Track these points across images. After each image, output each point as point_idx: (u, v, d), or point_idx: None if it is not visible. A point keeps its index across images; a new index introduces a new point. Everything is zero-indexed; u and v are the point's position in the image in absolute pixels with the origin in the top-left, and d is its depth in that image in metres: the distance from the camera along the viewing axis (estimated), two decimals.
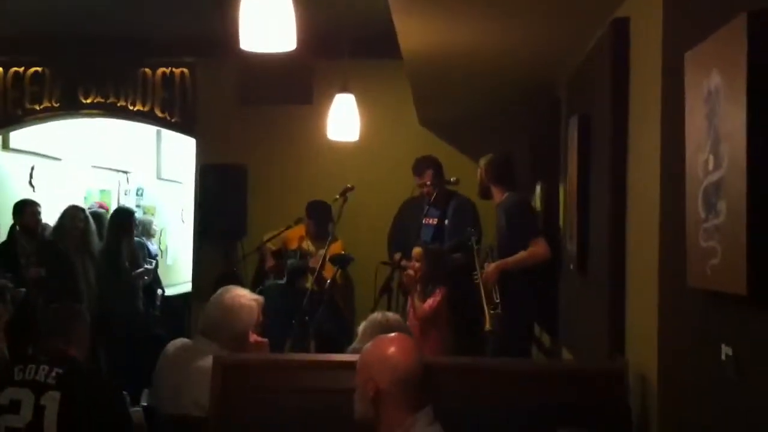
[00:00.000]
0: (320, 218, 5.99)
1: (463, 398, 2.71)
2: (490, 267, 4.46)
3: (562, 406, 2.66)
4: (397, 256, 5.28)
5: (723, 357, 1.91)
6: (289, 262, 6.08)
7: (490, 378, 2.80)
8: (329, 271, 5.09)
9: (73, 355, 3.22)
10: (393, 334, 2.49)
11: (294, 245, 6.16)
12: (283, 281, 6.11)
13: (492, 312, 4.34)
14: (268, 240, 6.07)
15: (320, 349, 5.39)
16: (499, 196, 4.70)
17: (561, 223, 4.55)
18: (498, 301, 4.38)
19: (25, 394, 3.00)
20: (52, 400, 2.99)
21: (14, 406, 2.99)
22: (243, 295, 3.36)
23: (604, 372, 2.83)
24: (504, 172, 4.72)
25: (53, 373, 3.04)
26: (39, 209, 6.50)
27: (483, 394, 2.74)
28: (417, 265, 4.90)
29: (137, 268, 6.65)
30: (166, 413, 3.21)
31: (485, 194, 4.81)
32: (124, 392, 3.41)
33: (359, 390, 2.33)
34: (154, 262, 7.00)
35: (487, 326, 4.32)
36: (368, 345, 2.44)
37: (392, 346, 2.36)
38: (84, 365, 3.30)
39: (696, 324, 2.15)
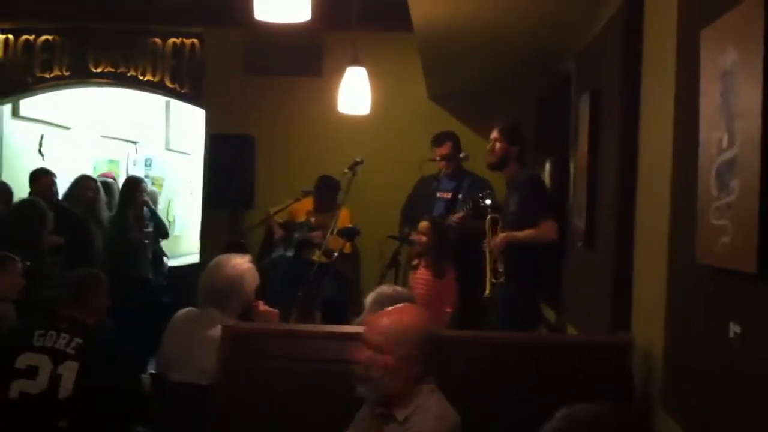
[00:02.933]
0: (321, 194, 6.00)
1: (466, 370, 2.73)
2: (498, 237, 4.47)
3: (565, 378, 2.67)
4: (407, 230, 5.30)
5: (731, 334, 1.91)
6: (296, 234, 6.10)
7: (494, 350, 2.81)
8: (336, 243, 5.10)
9: (91, 324, 3.23)
10: (403, 305, 2.50)
11: (301, 218, 6.17)
12: (290, 253, 6.14)
13: (494, 281, 4.39)
14: (276, 213, 6.08)
15: (326, 320, 5.44)
16: (513, 170, 4.61)
17: (570, 198, 4.54)
18: (501, 270, 4.41)
19: (43, 361, 3.01)
20: (69, 370, 3.00)
21: (31, 372, 3.01)
22: (241, 262, 3.42)
23: (609, 346, 2.85)
24: (524, 145, 4.66)
25: (73, 343, 3.05)
26: (54, 179, 6.51)
27: (486, 366, 2.75)
28: (423, 238, 4.92)
29: (145, 237, 6.70)
30: (173, 380, 3.24)
31: (501, 165, 4.66)
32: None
33: (366, 361, 2.34)
34: (151, 225, 7.00)
35: (487, 292, 4.38)
36: (380, 317, 2.44)
37: (405, 318, 2.38)
38: (103, 335, 3.31)
39: (704, 301, 2.15)
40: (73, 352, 3.03)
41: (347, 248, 5.42)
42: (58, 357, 3.02)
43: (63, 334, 3.06)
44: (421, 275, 4.99)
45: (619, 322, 3.08)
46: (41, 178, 6.44)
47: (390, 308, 2.49)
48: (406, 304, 2.53)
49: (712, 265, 2.02)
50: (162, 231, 7.04)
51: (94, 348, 3.08)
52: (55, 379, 2.98)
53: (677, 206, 2.43)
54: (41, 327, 3.10)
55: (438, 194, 5.55)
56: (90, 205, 6.50)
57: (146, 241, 6.72)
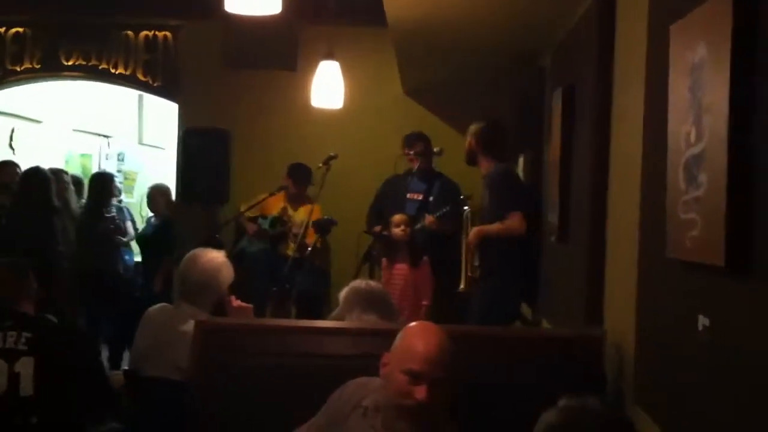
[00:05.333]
0: (299, 178, 6.00)
1: None
2: (472, 231, 4.53)
3: (538, 372, 2.68)
4: (378, 227, 5.32)
5: (700, 327, 1.94)
6: (271, 230, 6.09)
7: (467, 344, 2.80)
8: (311, 237, 5.10)
9: (31, 313, 3.18)
10: (422, 324, 2.43)
11: (274, 213, 6.16)
12: (264, 246, 6.13)
13: (470, 275, 4.43)
14: (246, 210, 6.05)
15: (300, 314, 5.44)
16: (486, 166, 4.68)
17: (543, 193, 4.58)
18: (477, 264, 4.46)
19: None
20: (26, 366, 2.95)
21: None
22: (216, 256, 3.41)
23: (582, 339, 2.86)
24: (494, 142, 4.68)
25: (23, 339, 2.98)
26: (18, 170, 6.45)
27: (459, 359, 2.75)
28: (403, 228, 4.97)
29: (119, 231, 6.67)
30: (146, 376, 3.23)
31: (472, 161, 4.78)
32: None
33: (433, 399, 2.24)
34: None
35: (462, 286, 4.46)
36: (429, 349, 2.28)
37: (443, 337, 2.33)
38: (50, 322, 3.25)
39: (674, 294, 2.18)
40: (24, 347, 2.97)
41: (318, 243, 5.42)
42: (10, 356, 2.96)
43: (10, 333, 2.98)
44: (398, 269, 5.01)
45: (592, 316, 3.10)
46: (4, 169, 6.39)
47: (421, 330, 2.36)
48: (426, 322, 2.46)
49: (681, 259, 2.04)
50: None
51: (46, 339, 3.03)
52: (13, 378, 2.94)
53: (647, 200, 2.45)
54: None
55: (408, 195, 5.56)
56: (63, 198, 6.45)
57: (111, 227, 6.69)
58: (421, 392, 2.21)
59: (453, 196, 5.25)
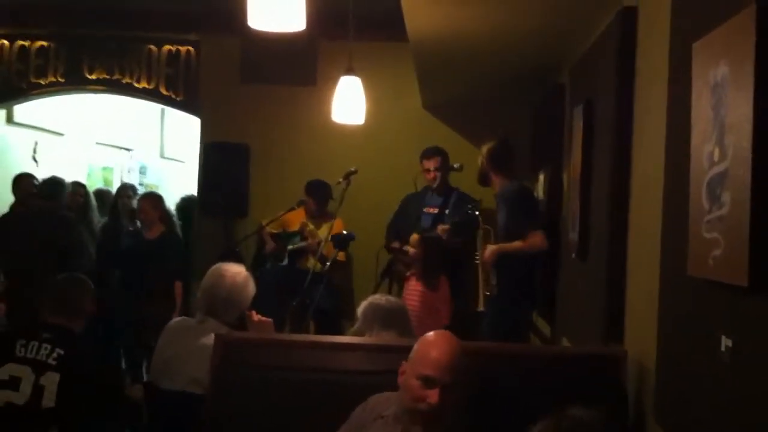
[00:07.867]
0: (320, 196, 6.02)
1: None
2: (489, 249, 4.51)
3: (559, 390, 2.66)
4: (396, 243, 5.34)
5: (722, 348, 1.92)
6: (289, 247, 6.10)
7: (487, 361, 2.80)
8: (330, 251, 5.11)
9: (74, 331, 3.22)
10: (440, 333, 2.48)
11: (294, 227, 6.17)
12: (283, 263, 6.14)
13: (487, 294, 4.42)
14: (268, 224, 6.07)
15: (319, 329, 5.43)
16: (499, 184, 4.71)
17: (563, 210, 4.56)
18: (494, 283, 4.45)
19: (25, 372, 3.00)
20: (51, 382, 2.99)
21: (13, 383, 3.00)
22: (240, 271, 3.43)
23: (603, 357, 2.84)
24: (504, 160, 4.72)
25: (54, 354, 3.03)
26: (35, 182, 6.51)
27: (480, 377, 2.74)
28: (413, 250, 4.96)
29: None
30: (165, 389, 3.24)
31: (484, 181, 4.82)
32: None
33: (441, 402, 2.30)
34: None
35: (480, 307, 4.45)
36: (441, 353, 2.35)
37: (456, 344, 2.41)
38: (85, 345, 3.29)
39: (696, 314, 2.16)
40: (54, 363, 3.01)
41: (341, 256, 5.43)
42: (39, 368, 3.01)
43: (45, 345, 3.04)
44: (414, 287, 5.00)
45: (612, 334, 3.08)
46: (23, 181, 6.44)
47: (435, 339, 2.42)
48: (441, 331, 2.51)
49: (703, 278, 2.03)
50: None
51: (75, 360, 3.06)
52: (37, 390, 2.97)
53: (669, 219, 2.44)
54: (23, 336, 3.08)
55: (424, 209, 5.60)
56: (80, 210, 6.50)
57: None
58: (433, 396, 2.29)
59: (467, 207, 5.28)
